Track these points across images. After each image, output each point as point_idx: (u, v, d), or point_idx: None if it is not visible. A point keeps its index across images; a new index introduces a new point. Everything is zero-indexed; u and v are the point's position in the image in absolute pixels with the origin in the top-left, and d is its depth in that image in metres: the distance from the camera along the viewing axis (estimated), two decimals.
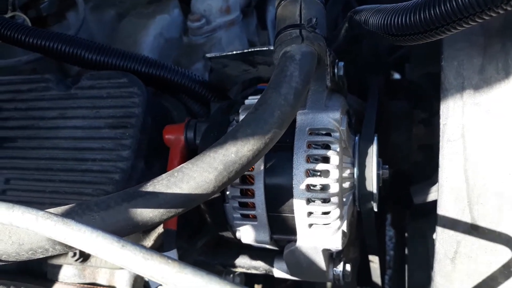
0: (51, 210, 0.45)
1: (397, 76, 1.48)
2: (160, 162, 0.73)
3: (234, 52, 0.74)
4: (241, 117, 0.67)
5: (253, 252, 0.76)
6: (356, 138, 0.67)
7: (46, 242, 0.44)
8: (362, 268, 0.91)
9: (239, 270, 0.79)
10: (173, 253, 0.67)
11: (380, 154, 0.68)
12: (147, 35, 0.96)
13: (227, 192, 0.65)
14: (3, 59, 0.93)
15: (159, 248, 0.71)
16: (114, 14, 1.10)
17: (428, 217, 0.89)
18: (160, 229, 0.72)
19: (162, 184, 0.49)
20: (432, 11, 0.49)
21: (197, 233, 0.81)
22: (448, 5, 0.47)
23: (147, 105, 0.71)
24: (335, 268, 0.68)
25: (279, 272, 0.74)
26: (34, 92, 0.79)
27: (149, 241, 0.71)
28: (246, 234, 0.66)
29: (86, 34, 1.03)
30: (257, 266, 0.76)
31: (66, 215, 0.45)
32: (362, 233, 0.77)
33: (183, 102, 0.83)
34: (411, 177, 0.95)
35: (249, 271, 0.79)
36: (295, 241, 0.64)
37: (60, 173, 0.70)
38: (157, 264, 0.30)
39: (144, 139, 0.70)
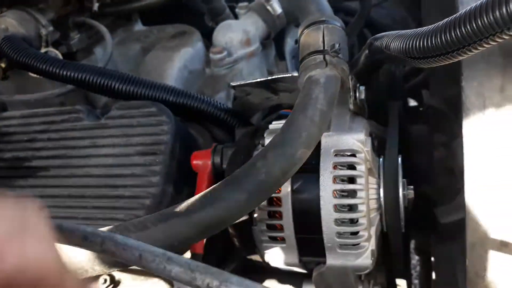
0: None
1: (413, 103, 1.50)
2: (188, 187, 0.75)
3: (257, 80, 0.77)
4: (267, 141, 0.69)
5: (281, 276, 0.76)
6: (380, 159, 0.69)
7: (86, 262, 0.46)
8: None
9: None
10: None
11: (403, 176, 0.69)
12: (172, 68, 1.00)
13: (255, 215, 0.66)
14: (33, 92, 0.97)
15: None
16: (139, 49, 1.15)
17: (454, 239, 0.88)
18: (187, 255, 0.73)
19: (195, 205, 0.51)
20: (452, 33, 0.51)
21: (224, 259, 0.82)
22: (468, 27, 0.49)
23: (176, 132, 0.74)
24: None
25: None
26: (66, 122, 0.82)
27: None
28: (275, 257, 0.67)
29: (112, 67, 1.08)
30: None
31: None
32: (388, 258, 0.77)
33: (208, 129, 0.86)
34: (434, 200, 0.95)
35: None
36: (324, 262, 0.64)
37: (92, 199, 0.72)
38: (203, 274, 0.31)
39: (173, 165, 0.72)
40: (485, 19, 0.49)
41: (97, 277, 0.72)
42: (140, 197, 0.69)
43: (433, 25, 0.55)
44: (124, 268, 0.64)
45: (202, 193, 0.52)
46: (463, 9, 0.67)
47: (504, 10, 0.48)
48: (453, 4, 0.68)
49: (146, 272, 0.69)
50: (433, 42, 0.53)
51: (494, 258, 0.57)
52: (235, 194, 0.50)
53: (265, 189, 0.51)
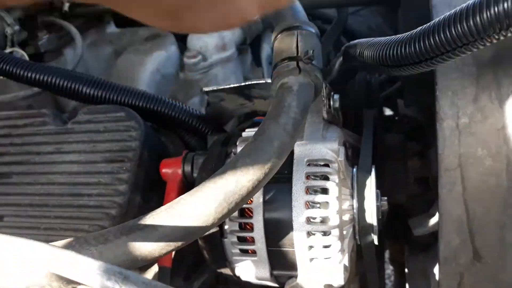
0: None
1: (389, 112, 1.50)
2: (157, 196, 0.72)
3: (231, 86, 0.75)
4: (239, 149, 0.67)
5: None
6: (354, 169, 0.67)
7: (43, 277, 0.43)
8: None
9: None
10: None
11: (377, 186, 0.68)
12: (144, 71, 0.97)
13: (226, 227, 0.64)
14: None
15: None
16: (111, 51, 1.12)
17: (428, 250, 0.88)
18: (156, 268, 0.70)
19: (161, 217, 0.48)
20: (426, 42, 0.51)
21: (193, 272, 0.79)
22: (441, 36, 0.49)
23: (145, 139, 0.71)
24: None
25: None
26: (30, 127, 0.78)
27: None
28: (246, 270, 0.65)
29: (82, 70, 1.05)
30: None
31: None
32: (362, 269, 0.75)
33: (180, 136, 0.83)
34: (409, 210, 0.95)
35: None
36: (296, 276, 0.62)
37: (56, 209, 0.68)
38: None
39: (141, 173, 0.69)
40: (458, 28, 0.48)
41: None
42: (105, 207, 0.66)
43: (406, 33, 0.55)
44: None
45: (168, 204, 0.49)
46: (435, 14, 0.68)
47: (478, 19, 0.47)
48: (428, 14, 0.68)
49: None
50: (407, 50, 0.53)
51: (466, 272, 0.57)
52: (203, 205, 0.48)
53: (234, 200, 0.49)
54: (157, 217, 0.48)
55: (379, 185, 0.71)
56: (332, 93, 0.70)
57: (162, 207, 0.49)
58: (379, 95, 1.28)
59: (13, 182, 0.74)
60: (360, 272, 0.78)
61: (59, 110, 0.99)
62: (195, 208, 0.48)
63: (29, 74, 0.80)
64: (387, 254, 1.33)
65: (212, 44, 1.03)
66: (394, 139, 1.00)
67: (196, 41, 1.03)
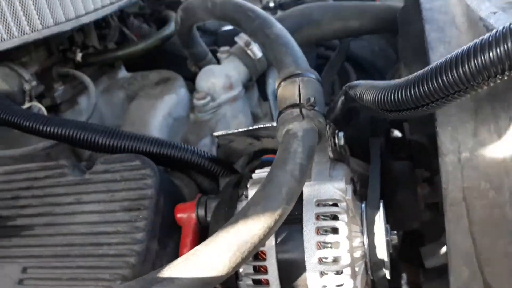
0: None
1: (397, 133, 1.52)
2: (173, 241, 0.74)
3: (240, 130, 0.78)
4: (250, 191, 0.69)
5: None
6: (362, 205, 0.69)
7: None
8: None
9: None
10: None
11: (387, 216, 0.70)
12: (156, 116, 1.01)
13: (241, 270, 0.66)
14: (18, 147, 0.97)
15: None
16: (123, 96, 1.16)
17: (443, 277, 0.88)
18: None
19: (178, 269, 0.51)
20: (423, 88, 0.53)
21: None
22: (439, 82, 0.50)
23: (160, 186, 0.74)
24: None
25: None
26: (50, 178, 0.82)
27: None
28: None
29: (97, 116, 1.09)
30: None
31: None
32: None
33: (193, 178, 0.86)
34: (422, 235, 0.96)
35: None
36: None
37: (77, 259, 0.71)
38: None
39: (157, 219, 0.72)
40: (455, 73, 0.50)
41: None
42: (125, 255, 0.68)
43: (404, 78, 0.57)
44: None
45: (184, 256, 0.52)
46: (431, 49, 0.70)
47: (472, 64, 0.49)
48: (423, 47, 0.70)
49: None
50: (404, 96, 0.55)
51: None
52: (218, 256, 0.51)
53: (247, 249, 0.52)
54: (174, 270, 0.50)
55: (389, 214, 0.72)
56: (336, 131, 0.72)
57: (179, 259, 0.52)
58: (386, 119, 1.30)
59: (36, 233, 0.77)
60: None
61: (76, 157, 1.03)
62: (210, 259, 0.50)
63: (47, 128, 0.84)
64: (404, 278, 1.33)
65: (219, 84, 1.07)
66: (403, 166, 1.01)
67: (205, 83, 1.07)
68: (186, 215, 0.74)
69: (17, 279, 0.72)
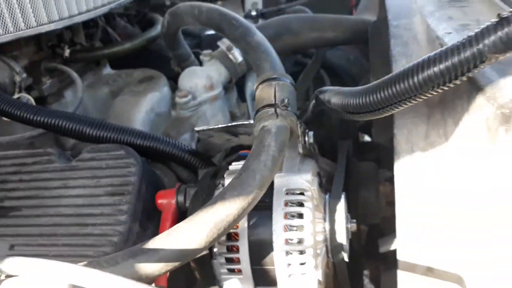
0: None
1: (366, 138, 1.61)
2: (153, 225, 0.81)
3: (219, 126, 0.85)
4: (226, 181, 0.76)
5: None
6: (327, 196, 0.77)
7: None
8: None
9: None
10: None
11: (350, 211, 0.78)
12: (139, 111, 1.07)
13: (215, 249, 0.73)
14: (4, 135, 1.02)
15: None
16: (107, 92, 1.22)
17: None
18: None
19: (161, 242, 0.57)
20: (381, 93, 0.61)
21: None
22: (393, 89, 0.59)
23: (142, 174, 0.81)
24: None
25: None
26: (37, 164, 0.87)
27: None
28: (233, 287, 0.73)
29: (81, 109, 1.14)
30: None
31: None
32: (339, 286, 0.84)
33: (173, 169, 0.93)
34: (384, 230, 1.04)
35: None
36: None
37: (63, 237, 0.77)
38: None
39: (140, 204, 0.78)
40: (407, 83, 0.59)
41: None
42: (108, 235, 0.74)
43: (366, 86, 0.65)
44: None
45: (167, 231, 0.58)
46: (394, 62, 0.79)
47: (420, 76, 0.58)
48: (388, 56, 0.79)
49: None
50: (365, 100, 0.63)
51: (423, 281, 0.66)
52: (196, 231, 0.57)
53: (223, 226, 0.59)
54: (158, 242, 0.57)
55: (352, 209, 0.80)
56: (307, 130, 0.80)
57: (162, 234, 0.58)
58: (355, 124, 1.39)
59: (23, 214, 0.82)
60: None
61: (60, 147, 1.08)
62: (190, 233, 0.57)
63: (37, 118, 0.89)
64: (367, 273, 1.42)
65: (201, 84, 1.14)
66: (368, 167, 1.10)
67: (187, 82, 1.14)
68: (166, 201, 0.81)
69: (5, 255, 0.77)
